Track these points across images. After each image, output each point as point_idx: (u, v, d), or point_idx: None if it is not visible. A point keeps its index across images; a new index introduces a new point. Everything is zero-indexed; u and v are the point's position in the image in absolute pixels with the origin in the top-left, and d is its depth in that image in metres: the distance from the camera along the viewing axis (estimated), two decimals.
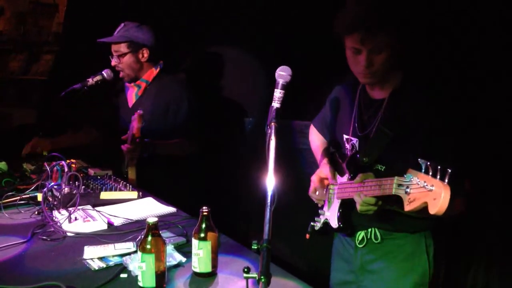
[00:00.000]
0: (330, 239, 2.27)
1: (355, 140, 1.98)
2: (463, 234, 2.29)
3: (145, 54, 3.09)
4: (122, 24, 3.10)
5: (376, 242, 1.95)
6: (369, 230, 1.96)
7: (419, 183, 1.37)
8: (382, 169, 1.79)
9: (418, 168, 1.38)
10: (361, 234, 1.99)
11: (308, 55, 2.86)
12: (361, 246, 2.00)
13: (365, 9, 1.73)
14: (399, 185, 1.48)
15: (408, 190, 1.42)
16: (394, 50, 1.76)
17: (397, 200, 1.54)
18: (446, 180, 1.28)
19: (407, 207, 1.42)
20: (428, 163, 1.34)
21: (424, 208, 1.36)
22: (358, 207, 1.71)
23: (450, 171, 1.28)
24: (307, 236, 2.12)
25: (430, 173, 1.33)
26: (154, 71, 3.14)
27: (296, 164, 3.01)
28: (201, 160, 3.26)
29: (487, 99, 2.14)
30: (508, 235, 2.20)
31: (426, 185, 1.33)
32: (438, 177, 1.30)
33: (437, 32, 2.28)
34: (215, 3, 3.61)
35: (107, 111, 3.44)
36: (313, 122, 2.38)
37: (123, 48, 3.06)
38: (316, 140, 2.35)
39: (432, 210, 1.31)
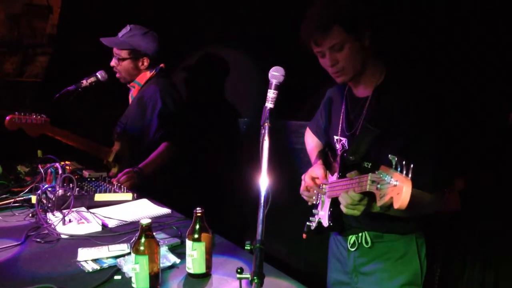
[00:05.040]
0: (326, 238, 2.27)
1: (344, 140, 2.00)
2: (458, 234, 2.29)
3: (145, 62, 3.10)
4: (128, 28, 3.08)
5: (367, 246, 1.96)
6: (360, 234, 1.98)
7: (386, 178, 1.39)
8: (369, 166, 1.80)
9: (390, 164, 1.39)
10: (352, 238, 2.01)
11: (302, 56, 2.85)
12: (353, 249, 2.01)
13: (311, 16, 1.83)
14: (373, 181, 1.49)
15: (379, 186, 1.43)
16: (354, 45, 1.80)
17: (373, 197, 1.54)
18: (410, 175, 1.30)
19: (378, 203, 1.43)
20: (396, 158, 1.35)
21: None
22: (343, 208, 1.69)
23: (412, 165, 1.30)
24: (304, 236, 2.13)
25: (399, 169, 1.35)
26: (148, 74, 3.14)
27: (291, 164, 3.01)
28: (196, 161, 3.25)
29: (478, 96, 2.15)
30: (503, 234, 2.21)
31: (391, 180, 1.35)
32: (404, 172, 1.32)
33: (419, 29, 2.29)
34: (210, 4, 3.61)
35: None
36: (309, 124, 2.41)
37: (124, 53, 3.07)
38: (311, 142, 2.36)
39: (395, 205, 1.33)
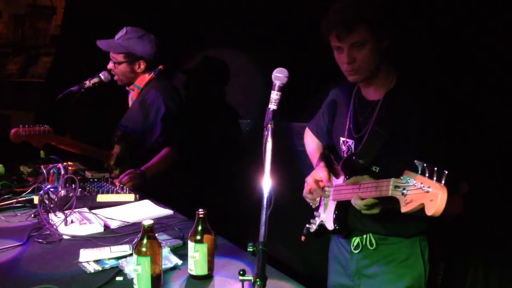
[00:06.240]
0: (328, 241, 2.26)
1: (351, 142, 1.99)
2: (461, 237, 2.28)
3: (141, 65, 3.10)
4: (125, 30, 3.09)
5: (371, 248, 1.95)
6: (364, 236, 1.97)
7: (415, 184, 1.37)
8: (377, 170, 1.79)
9: (415, 170, 1.38)
10: (356, 240, 1.99)
11: (306, 57, 2.85)
12: (356, 251, 2.00)
13: (339, 9, 1.81)
14: (396, 186, 1.48)
15: (405, 191, 1.42)
16: (374, 46, 1.80)
17: (392, 202, 1.54)
18: (443, 182, 1.29)
19: (404, 209, 1.42)
20: (425, 164, 1.34)
21: (421, 210, 1.36)
22: (361, 210, 1.70)
23: (447, 172, 1.29)
24: (303, 238, 2.12)
25: (427, 175, 1.33)
26: (147, 77, 3.14)
27: (294, 166, 3.01)
28: (198, 162, 3.25)
29: (483, 100, 2.14)
30: (507, 237, 2.19)
31: (423, 187, 1.33)
32: (435, 178, 1.30)
33: (432, 33, 2.29)
34: (212, 5, 3.61)
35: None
36: (309, 125, 2.39)
37: (120, 57, 3.07)
38: (311, 143, 2.35)
39: (429, 212, 1.31)
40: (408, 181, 1.41)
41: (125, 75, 3.11)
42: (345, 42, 1.80)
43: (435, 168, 1.31)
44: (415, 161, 1.37)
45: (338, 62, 1.89)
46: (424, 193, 1.33)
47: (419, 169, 1.36)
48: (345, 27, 1.77)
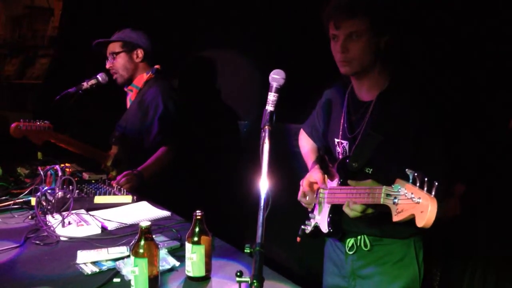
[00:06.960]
0: (324, 242, 2.26)
1: (345, 143, 1.99)
2: (458, 237, 2.28)
3: (139, 54, 3.14)
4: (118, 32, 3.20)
5: (366, 249, 1.95)
6: (359, 237, 1.97)
7: (406, 194, 1.35)
8: (370, 172, 1.79)
9: (406, 177, 1.36)
10: (351, 241, 1.99)
11: (304, 58, 2.86)
12: (351, 253, 2.00)
13: None
14: (388, 195, 1.47)
15: (396, 200, 1.41)
16: (370, 41, 1.80)
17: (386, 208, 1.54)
18: (433, 193, 1.28)
19: (395, 218, 1.41)
20: (416, 173, 1.33)
21: (412, 220, 1.35)
22: (350, 215, 1.70)
23: (437, 183, 1.27)
24: (298, 239, 2.12)
25: (418, 184, 1.32)
26: (145, 76, 3.16)
27: (291, 167, 3.00)
28: (196, 163, 3.24)
29: (478, 101, 2.15)
30: (504, 237, 2.20)
31: (413, 197, 1.32)
32: (425, 189, 1.29)
33: (426, 34, 2.30)
34: (209, 7, 3.62)
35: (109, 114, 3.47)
36: (303, 126, 2.38)
37: (117, 47, 3.13)
38: (306, 145, 2.34)
39: (419, 223, 1.30)
40: (399, 190, 1.39)
41: (124, 67, 3.13)
42: (342, 29, 1.79)
43: (426, 178, 1.30)
44: (406, 170, 1.35)
45: (333, 52, 1.89)
46: (415, 204, 1.31)
47: (410, 178, 1.34)
48: (347, 12, 1.77)
